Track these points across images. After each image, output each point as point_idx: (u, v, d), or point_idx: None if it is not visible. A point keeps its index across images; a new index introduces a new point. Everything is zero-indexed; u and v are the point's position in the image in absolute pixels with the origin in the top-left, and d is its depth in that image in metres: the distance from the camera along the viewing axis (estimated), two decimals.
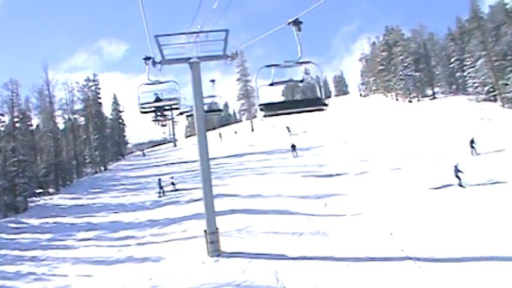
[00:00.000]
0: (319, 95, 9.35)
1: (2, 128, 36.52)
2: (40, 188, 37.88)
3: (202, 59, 15.13)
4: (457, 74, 58.44)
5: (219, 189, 22.87)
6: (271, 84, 9.11)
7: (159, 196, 27.88)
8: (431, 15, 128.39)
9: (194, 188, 26.45)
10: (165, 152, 59.87)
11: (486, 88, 46.89)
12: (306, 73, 48.75)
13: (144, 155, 60.27)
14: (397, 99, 67.94)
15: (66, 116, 52.66)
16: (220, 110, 20.48)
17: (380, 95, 74.98)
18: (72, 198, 32.99)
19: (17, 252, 19.34)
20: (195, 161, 22.92)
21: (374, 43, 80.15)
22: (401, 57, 64.43)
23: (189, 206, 23.54)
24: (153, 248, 17.17)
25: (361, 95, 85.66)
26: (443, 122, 37.93)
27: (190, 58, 14.96)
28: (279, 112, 9.20)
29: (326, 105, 8.87)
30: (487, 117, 36.86)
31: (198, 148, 15.46)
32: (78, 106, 54.11)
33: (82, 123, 54.43)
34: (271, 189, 23.92)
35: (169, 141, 70.01)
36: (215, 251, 14.54)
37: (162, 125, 17.16)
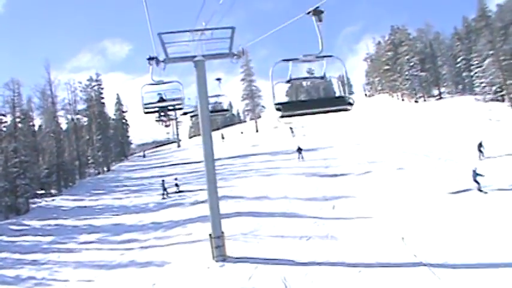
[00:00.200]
0: (337, 93, 8.58)
1: (4, 129, 36.06)
2: (42, 189, 37.57)
3: (207, 58, 14.70)
4: (464, 74, 57.97)
5: (224, 191, 22.39)
6: (288, 81, 8.27)
7: (163, 198, 27.49)
8: (437, 14, 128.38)
9: (199, 190, 26.07)
10: (168, 152, 59.42)
11: (494, 88, 46.46)
12: (310, 73, 48.07)
13: (144, 156, 59.31)
14: (402, 100, 67.56)
15: (69, 116, 52.38)
16: (226, 110, 19.91)
17: (385, 95, 74.58)
18: (75, 200, 32.65)
19: (17, 256, 18.99)
20: (199, 162, 22.50)
21: (379, 43, 79.61)
22: (407, 57, 64.00)
23: (193, 208, 23.12)
24: (156, 251, 16.80)
25: (366, 95, 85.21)
26: (451, 122, 37.44)
27: (195, 56, 14.53)
28: (298, 112, 8.12)
29: (351, 104, 7.86)
30: (496, 118, 36.32)
31: (203, 149, 15.04)
32: (81, 106, 53.84)
33: (85, 123, 54.12)
34: (277, 191, 23.52)
35: (173, 142, 69.52)
36: (220, 255, 14.14)
37: (166, 126, 17.00)
